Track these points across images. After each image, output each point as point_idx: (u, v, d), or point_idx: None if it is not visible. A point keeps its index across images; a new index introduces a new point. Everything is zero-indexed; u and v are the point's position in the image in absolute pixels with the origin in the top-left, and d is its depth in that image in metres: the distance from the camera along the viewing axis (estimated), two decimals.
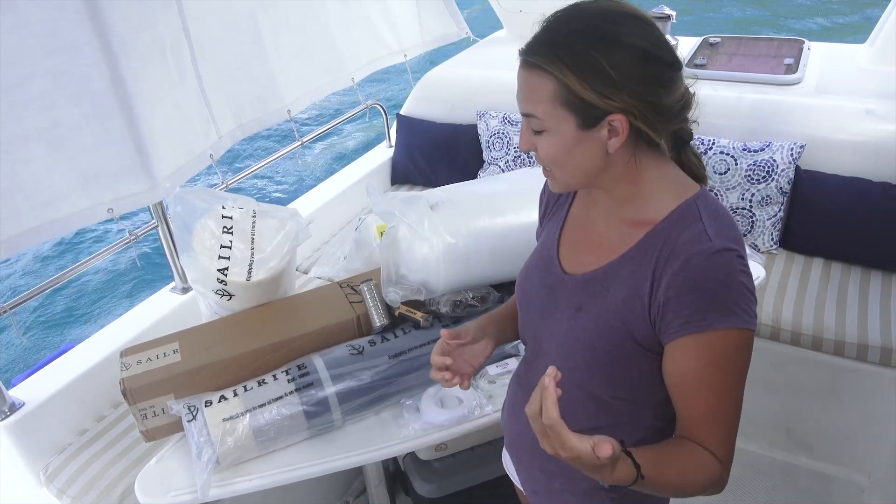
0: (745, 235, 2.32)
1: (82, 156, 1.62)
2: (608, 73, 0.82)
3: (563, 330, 0.97)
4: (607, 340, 0.91)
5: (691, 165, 0.97)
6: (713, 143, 2.35)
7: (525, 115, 0.88)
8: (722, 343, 0.83)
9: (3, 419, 1.59)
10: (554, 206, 1.10)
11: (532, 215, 1.46)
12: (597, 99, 0.83)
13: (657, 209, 0.90)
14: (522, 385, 1.11)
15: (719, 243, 0.83)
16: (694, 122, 0.95)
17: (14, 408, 1.62)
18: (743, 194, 2.31)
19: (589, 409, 0.98)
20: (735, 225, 0.90)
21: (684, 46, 2.94)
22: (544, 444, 0.76)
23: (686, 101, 0.91)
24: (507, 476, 1.81)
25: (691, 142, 0.97)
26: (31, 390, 1.69)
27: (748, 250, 1.70)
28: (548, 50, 0.85)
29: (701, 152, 2.35)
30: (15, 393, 1.67)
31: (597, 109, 0.84)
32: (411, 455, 1.80)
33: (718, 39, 2.98)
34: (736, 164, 2.29)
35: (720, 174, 2.32)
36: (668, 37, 2.85)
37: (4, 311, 1.58)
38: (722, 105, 2.47)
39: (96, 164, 1.65)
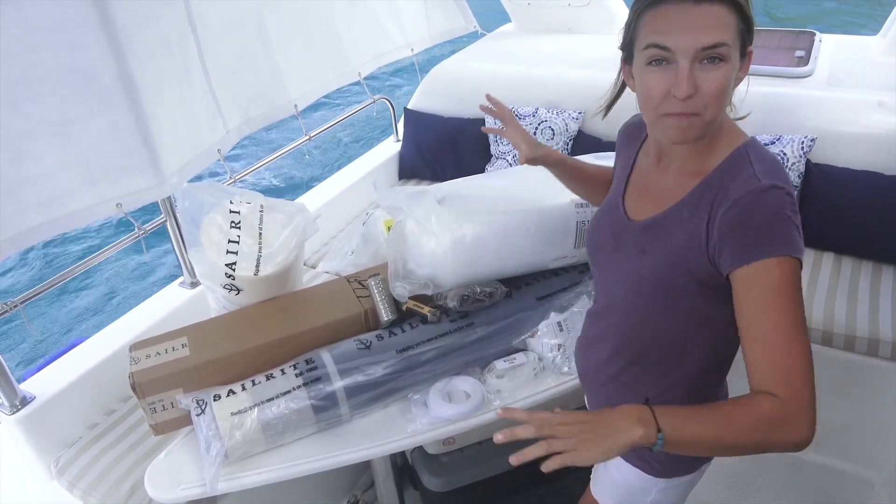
0: None
1: (90, 151, 1.63)
2: None
3: (629, 270, 1.04)
4: (668, 278, 0.97)
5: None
6: None
7: (710, 47, 0.86)
8: (778, 270, 0.85)
9: (14, 413, 1.61)
10: (624, 155, 1.20)
11: (541, 210, 1.46)
12: (751, 25, 0.91)
13: (714, 158, 0.97)
14: (593, 320, 1.20)
15: (767, 182, 0.88)
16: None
17: (25, 401, 1.63)
18: None
19: (647, 341, 1.07)
20: (783, 168, 0.93)
21: None
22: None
23: None
24: (515, 470, 1.81)
25: None
26: (42, 384, 1.70)
27: None
28: None
29: None
30: (26, 387, 1.68)
31: (748, 36, 0.91)
32: (419, 449, 1.80)
33: None
34: None
35: None
36: None
37: (16, 306, 1.59)
38: (736, 99, 2.44)
39: (104, 160, 1.65)
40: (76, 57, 1.54)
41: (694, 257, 0.93)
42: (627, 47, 0.99)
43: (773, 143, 2.25)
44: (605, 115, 1.17)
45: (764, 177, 0.89)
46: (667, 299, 0.99)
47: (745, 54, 0.93)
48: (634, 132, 1.20)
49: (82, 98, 1.57)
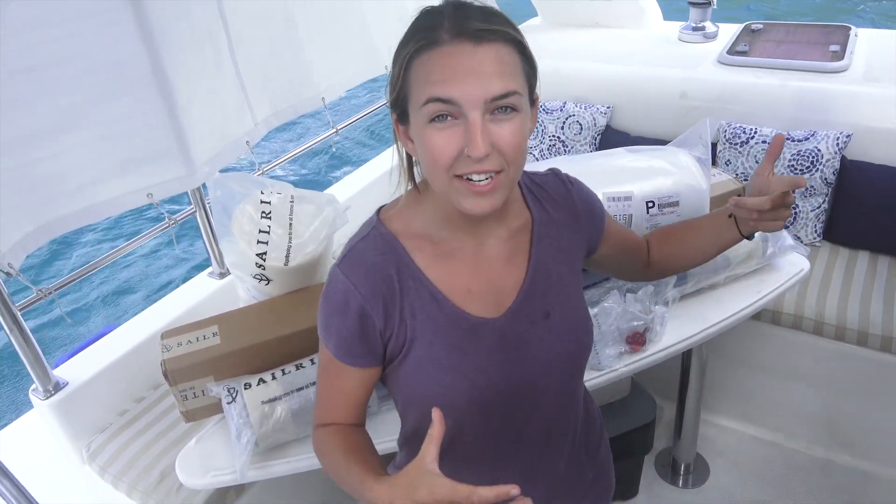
0: (787, 227, 2.26)
1: (122, 141, 1.64)
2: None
3: (543, 356, 0.92)
4: (584, 311, 0.99)
5: None
6: (755, 132, 2.30)
7: (500, 96, 0.75)
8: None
9: (48, 398, 1.63)
10: (397, 300, 0.87)
11: None
12: (535, 66, 0.83)
13: (516, 200, 0.96)
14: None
15: (552, 170, 1.03)
16: None
17: (58, 387, 1.65)
18: None
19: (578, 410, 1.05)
20: None
21: (725, 33, 2.87)
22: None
23: None
24: None
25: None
26: (74, 371, 1.72)
27: (792, 241, 1.67)
28: (497, 16, 0.79)
29: (742, 141, 2.30)
30: (59, 373, 1.70)
31: (534, 79, 0.83)
32: None
33: (761, 26, 2.90)
34: (779, 154, 2.23)
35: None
36: (707, 23, 2.79)
37: (50, 293, 1.62)
38: (764, 93, 2.41)
39: (136, 150, 1.67)
40: (110, 49, 1.55)
41: (580, 261, 1.03)
42: (399, 105, 0.81)
43: (806, 138, 2.21)
44: (409, 184, 0.91)
45: (546, 170, 1.02)
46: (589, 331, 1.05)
47: (532, 101, 0.84)
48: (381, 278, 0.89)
49: (115, 89, 1.59)
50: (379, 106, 2.97)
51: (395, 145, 0.88)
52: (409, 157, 0.89)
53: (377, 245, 0.88)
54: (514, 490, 0.68)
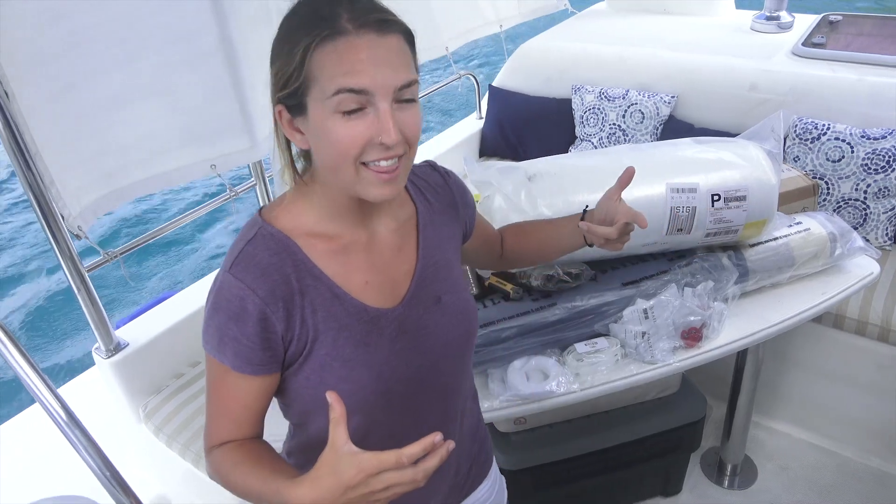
0: (856, 228, 2.17)
1: (190, 112, 1.68)
2: None
3: (440, 340, 0.94)
4: (469, 293, 1.03)
5: None
6: (827, 129, 2.20)
7: (405, 86, 0.76)
8: None
9: (109, 357, 1.70)
10: (297, 300, 0.84)
11: (633, 193, 1.41)
12: (416, 58, 0.82)
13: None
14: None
15: (429, 162, 1.05)
16: None
17: (119, 347, 1.72)
18: (857, 184, 2.15)
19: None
20: None
21: (802, 24, 2.75)
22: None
23: None
24: (581, 457, 1.79)
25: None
26: (135, 332, 1.78)
27: (862, 243, 1.60)
28: (386, 8, 0.78)
29: (813, 137, 2.21)
30: (120, 334, 1.77)
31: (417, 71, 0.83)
32: (489, 426, 1.80)
33: (839, 17, 2.77)
34: (852, 152, 2.14)
35: (833, 161, 2.17)
36: (783, 13, 2.68)
37: (115, 256, 1.67)
38: (839, 88, 2.30)
39: (203, 122, 1.70)
40: (181, 21, 1.58)
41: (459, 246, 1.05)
42: (295, 96, 0.78)
43: (884, 137, 2.10)
44: (295, 179, 0.88)
45: (423, 161, 1.04)
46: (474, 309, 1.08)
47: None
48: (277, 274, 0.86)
49: (185, 60, 1.62)
50: (439, 87, 2.97)
51: (275, 141, 0.85)
52: (290, 151, 0.87)
53: (268, 245, 0.84)
54: (437, 437, 0.70)
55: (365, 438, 0.83)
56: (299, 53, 0.75)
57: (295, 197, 0.88)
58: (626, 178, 1.04)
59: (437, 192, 1.01)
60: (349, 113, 0.75)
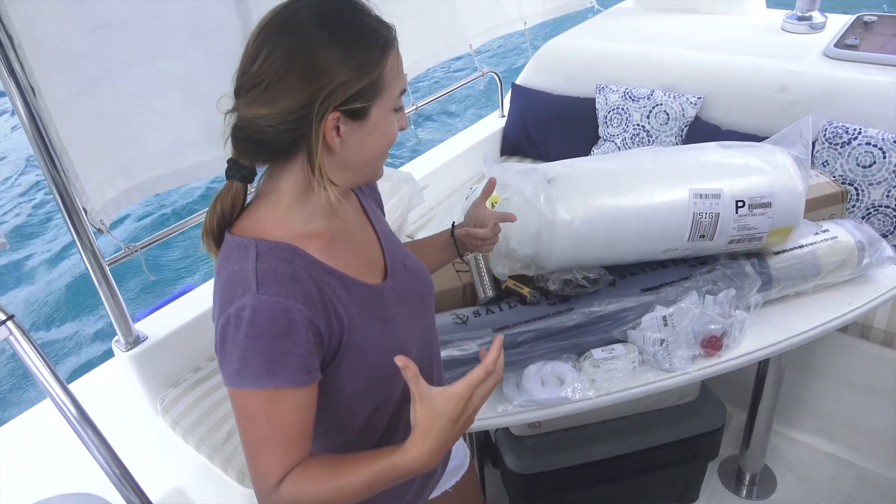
0: (886, 237, 2.11)
1: (211, 107, 1.68)
2: None
3: (418, 299, 1.05)
4: (415, 256, 1.11)
5: None
6: (858, 133, 2.15)
7: (404, 90, 0.89)
8: None
9: (129, 350, 1.71)
10: (324, 298, 0.85)
11: (655, 198, 1.39)
12: None
13: None
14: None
15: None
16: None
17: (139, 340, 1.74)
18: (889, 191, 2.10)
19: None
20: None
21: (834, 24, 2.68)
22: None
23: None
24: (596, 463, 1.77)
25: None
26: (154, 326, 1.80)
27: (891, 252, 1.56)
28: None
29: (844, 142, 2.16)
30: (140, 327, 1.79)
31: None
32: (504, 429, 1.79)
33: (874, 18, 2.70)
34: (884, 158, 2.08)
35: (864, 167, 2.12)
36: (815, 13, 2.62)
37: (136, 251, 1.69)
38: (873, 91, 2.24)
39: (223, 117, 1.71)
40: (205, 17, 1.59)
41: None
42: (370, 93, 0.82)
43: None
44: (326, 184, 0.86)
45: None
46: None
47: None
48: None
49: (207, 55, 1.63)
50: (461, 84, 2.95)
51: (313, 150, 0.81)
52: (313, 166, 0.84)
53: (278, 255, 0.83)
54: (498, 337, 0.86)
55: (397, 409, 0.98)
56: (376, 62, 0.82)
57: (269, 207, 0.87)
58: (490, 188, 1.20)
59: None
60: (397, 110, 0.88)
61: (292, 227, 0.87)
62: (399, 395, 0.99)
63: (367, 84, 0.81)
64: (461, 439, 1.31)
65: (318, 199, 0.87)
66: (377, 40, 0.82)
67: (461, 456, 1.33)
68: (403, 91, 0.88)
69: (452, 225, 1.23)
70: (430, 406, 0.78)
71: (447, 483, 1.28)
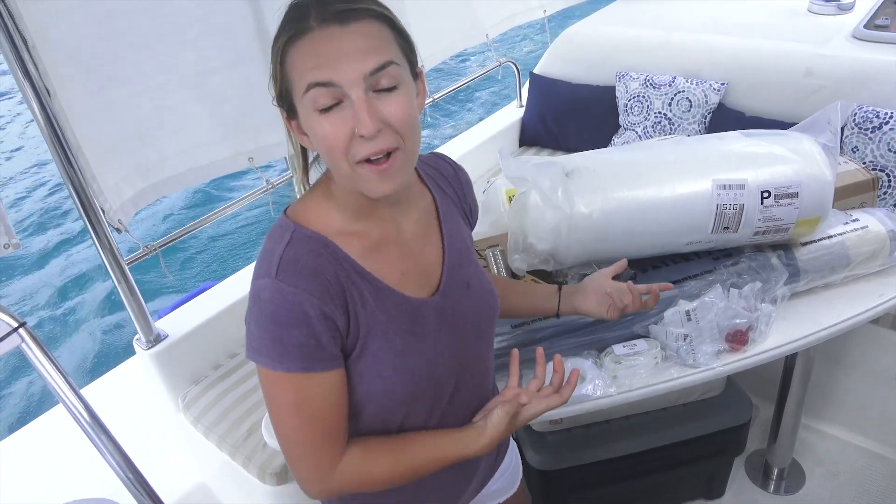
0: None
1: (226, 105, 1.68)
2: None
3: (472, 323, 1.00)
4: (487, 276, 1.05)
5: None
6: (890, 117, 2.07)
7: (378, 69, 0.75)
8: None
9: (150, 348, 1.72)
10: (347, 297, 0.84)
11: (677, 190, 1.35)
12: (410, 41, 0.83)
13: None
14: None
15: (437, 153, 1.09)
16: None
17: (159, 339, 1.75)
18: None
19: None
20: None
21: (863, 5, 2.60)
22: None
23: None
24: (619, 459, 1.75)
25: None
26: (174, 324, 1.81)
27: None
28: None
29: (874, 126, 2.09)
30: (160, 325, 1.80)
31: (412, 55, 0.83)
32: (525, 425, 1.77)
33: None
34: None
35: None
36: None
37: (155, 250, 1.70)
38: None
39: (239, 114, 1.71)
40: (219, 15, 1.58)
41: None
42: (285, 99, 0.81)
43: None
44: (304, 180, 0.93)
45: (431, 153, 1.08)
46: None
47: (416, 75, 0.84)
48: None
49: (220, 53, 1.62)
50: (479, 75, 2.92)
51: (289, 141, 0.87)
52: (305, 153, 0.90)
53: (310, 247, 0.83)
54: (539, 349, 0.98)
55: (413, 425, 0.94)
56: (276, 56, 0.78)
57: (320, 197, 0.89)
58: (619, 267, 1.24)
59: (449, 182, 1.05)
60: (326, 110, 0.76)
61: (333, 220, 0.87)
62: (401, 422, 0.94)
63: (277, 78, 0.80)
64: (517, 461, 1.32)
65: (345, 198, 0.87)
66: (284, 29, 0.77)
67: (509, 478, 1.28)
68: (318, 86, 0.75)
69: (559, 283, 1.24)
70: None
71: (497, 498, 1.25)
